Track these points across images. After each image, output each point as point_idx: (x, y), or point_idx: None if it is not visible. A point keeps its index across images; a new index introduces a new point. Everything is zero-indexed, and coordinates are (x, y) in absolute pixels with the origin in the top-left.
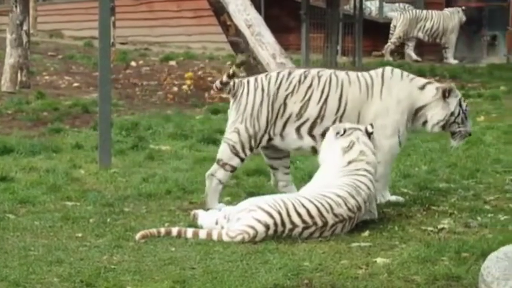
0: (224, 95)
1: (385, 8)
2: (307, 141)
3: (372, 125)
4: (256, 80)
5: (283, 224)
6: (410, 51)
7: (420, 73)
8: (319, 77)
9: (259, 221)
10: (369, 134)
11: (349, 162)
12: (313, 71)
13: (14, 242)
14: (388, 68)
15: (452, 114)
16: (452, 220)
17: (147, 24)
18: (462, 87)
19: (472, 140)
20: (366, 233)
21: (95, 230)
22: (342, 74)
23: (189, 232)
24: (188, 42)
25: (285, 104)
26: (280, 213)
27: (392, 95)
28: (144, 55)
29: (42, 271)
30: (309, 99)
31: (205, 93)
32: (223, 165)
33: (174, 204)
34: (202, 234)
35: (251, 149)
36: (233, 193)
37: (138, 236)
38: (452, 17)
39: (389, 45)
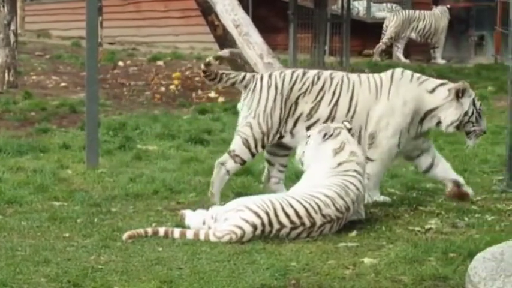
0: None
1: (373, 8)
2: None
3: (348, 121)
4: (270, 76)
5: (270, 224)
6: (399, 53)
7: None
8: (331, 79)
9: (247, 221)
10: (349, 130)
11: (340, 164)
12: (326, 73)
13: (1, 242)
14: (398, 69)
15: (466, 113)
16: (440, 220)
17: (134, 24)
18: None
19: (460, 141)
20: (353, 233)
21: (82, 230)
22: (353, 77)
23: (176, 232)
24: (176, 42)
25: (296, 103)
26: (267, 214)
27: (399, 95)
28: (132, 55)
29: (29, 271)
30: (320, 101)
31: (192, 93)
32: (233, 157)
33: (161, 204)
34: (189, 234)
35: (263, 146)
36: (221, 193)
37: (125, 236)
38: (442, 17)
39: (381, 45)
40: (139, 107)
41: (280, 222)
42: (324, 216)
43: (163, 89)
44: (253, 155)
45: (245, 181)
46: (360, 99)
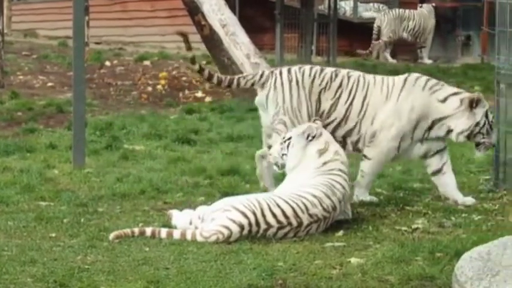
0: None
1: (360, 8)
2: None
3: (319, 119)
4: (289, 71)
5: (257, 224)
6: (386, 53)
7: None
8: (348, 77)
9: (234, 221)
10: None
11: (325, 163)
12: (344, 71)
13: None
14: (414, 74)
15: (477, 124)
16: (426, 220)
17: (121, 24)
18: None
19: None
20: (340, 233)
21: (69, 230)
22: (369, 77)
23: (163, 232)
24: (162, 42)
25: (319, 99)
26: (254, 214)
27: (408, 100)
28: (119, 55)
29: (15, 271)
30: (338, 98)
31: (179, 93)
32: None
33: (148, 204)
34: (176, 234)
35: None
36: (207, 193)
37: (112, 236)
38: (430, 16)
39: (381, 45)
40: (126, 106)
41: (267, 222)
42: (310, 216)
43: (150, 88)
44: None
45: (232, 181)
46: (372, 101)
